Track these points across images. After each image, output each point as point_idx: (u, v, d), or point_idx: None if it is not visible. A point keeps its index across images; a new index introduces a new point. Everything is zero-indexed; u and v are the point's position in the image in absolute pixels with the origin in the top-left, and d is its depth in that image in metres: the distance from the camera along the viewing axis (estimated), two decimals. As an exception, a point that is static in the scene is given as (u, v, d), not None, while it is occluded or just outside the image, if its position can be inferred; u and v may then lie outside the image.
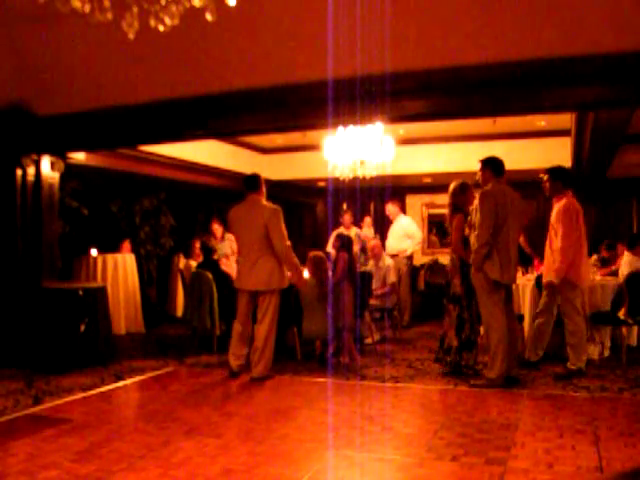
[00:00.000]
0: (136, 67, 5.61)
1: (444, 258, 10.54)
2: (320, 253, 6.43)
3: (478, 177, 5.25)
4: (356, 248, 7.48)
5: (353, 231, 8.57)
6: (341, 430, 3.86)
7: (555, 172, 5.53)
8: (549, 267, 5.43)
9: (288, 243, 5.48)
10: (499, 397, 4.66)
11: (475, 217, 5.00)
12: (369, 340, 7.10)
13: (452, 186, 5.59)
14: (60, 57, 5.85)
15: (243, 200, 5.54)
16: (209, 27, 3.22)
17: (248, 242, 5.41)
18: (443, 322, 5.71)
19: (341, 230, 8.35)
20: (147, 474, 3.11)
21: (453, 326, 5.41)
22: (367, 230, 9.04)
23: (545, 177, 5.54)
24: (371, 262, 7.56)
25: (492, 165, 5.15)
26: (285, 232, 5.38)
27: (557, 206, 5.43)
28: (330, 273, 6.19)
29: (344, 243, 6.25)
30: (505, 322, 4.94)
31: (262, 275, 5.33)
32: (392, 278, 7.48)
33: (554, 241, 5.38)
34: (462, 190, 5.53)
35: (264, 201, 5.48)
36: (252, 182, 5.54)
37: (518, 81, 4.62)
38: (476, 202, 5.02)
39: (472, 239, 5.08)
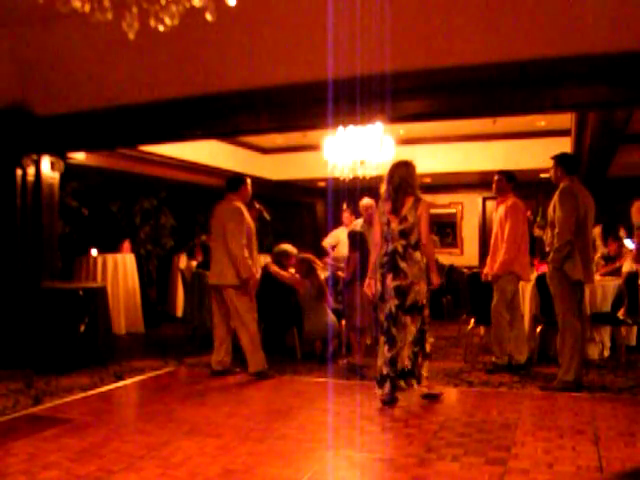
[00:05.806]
0: (136, 67, 5.61)
1: (443, 257, 10.56)
2: (307, 255, 6.47)
3: (550, 174, 5.09)
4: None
5: (359, 223, 8.30)
6: (341, 430, 3.86)
7: (508, 175, 5.74)
8: (495, 262, 5.56)
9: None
10: (499, 397, 4.65)
11: (554, 215, 4.82)
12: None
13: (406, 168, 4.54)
14: (60, 57, 5.85)
15: (222, 199, 5.62)
16: (209, 27, 3.22)
17: (214, 239, 5.57)
18: (394, 340, 4.37)
19: (354, 226, 8.16)
20: (147, 474, 3.11)
21: (410, 342, 4.42)
22: None
23: (496, 177, 5.74)
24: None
25: (564, 162, 4.96)
26: (243, 232, 5.32)
27: (504, 205, 5.59)
28: (341, 273, 6.20)
29: (355, 242, 6.17)
30: (579, 324, 4.82)
31: (217, 269, 5.42)
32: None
33: (500, 238, 5.53)
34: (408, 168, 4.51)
35: (238, 202, 5.48)
36: (230, 183, 5.67)
37: (518, 81, 4.62)
38: (555, 199, 4.85)
39: (548, 237, 4.95)
